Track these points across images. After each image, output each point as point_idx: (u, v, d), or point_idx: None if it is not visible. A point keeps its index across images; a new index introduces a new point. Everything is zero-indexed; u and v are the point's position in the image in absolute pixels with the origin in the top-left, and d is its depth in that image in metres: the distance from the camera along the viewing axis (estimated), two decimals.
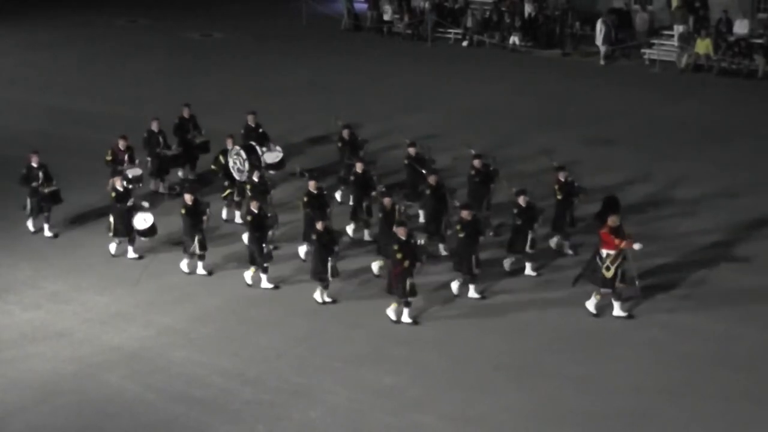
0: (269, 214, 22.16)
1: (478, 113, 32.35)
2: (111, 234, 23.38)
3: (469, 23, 41.50)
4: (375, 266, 22.24)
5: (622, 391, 18.12)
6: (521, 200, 21.66)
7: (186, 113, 27.44)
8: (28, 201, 24.41)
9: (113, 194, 23.14)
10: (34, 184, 24.15)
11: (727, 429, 17.13)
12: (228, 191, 24.89)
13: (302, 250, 22.90)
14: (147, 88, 36.14)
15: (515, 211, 21.74)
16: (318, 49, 40.73)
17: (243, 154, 24.94)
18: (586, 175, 24.96)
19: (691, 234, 23.41)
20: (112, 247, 23.58)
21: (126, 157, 25.42)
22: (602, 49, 38.07)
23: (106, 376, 19.06)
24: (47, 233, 24.48)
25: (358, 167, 23.70)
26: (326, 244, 20.96)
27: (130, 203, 23.30)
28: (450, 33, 42.05)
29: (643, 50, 38.07)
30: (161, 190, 26.61)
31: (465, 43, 41.30)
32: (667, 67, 36.87)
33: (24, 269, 23.15)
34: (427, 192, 22.77)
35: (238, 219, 24.77)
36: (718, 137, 29.77)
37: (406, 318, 20.45)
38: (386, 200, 21.92)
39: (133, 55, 40.66)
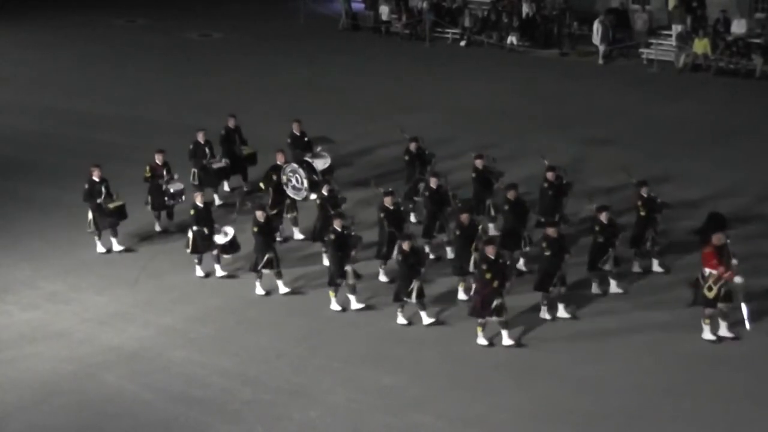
0: (353, 233, 20.92)
1: (477, 113, 32.35)
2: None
3: (467, 23, 41.51)
4: (460, 290, 21.13)
5: (621, 391, 18.12)
6: (603, 217, 20.73)
7: (231, 123, 26.55)
8: (91, 218, 23.55)
9: (193, 211, 22.21)
10: (99, 200, 23.38)
11: (725, 429, 17.14)
12: (276, 209, 23.61)
13: (382, 272, 21.96)
14: (146, 89, 36.17)
15: (596, 228, 20.84)
16: (316, 49, 40.74)
17: (301, 172, 23.89)
18: (584, 176, 24.96)
19: (690, 232, 23.36)
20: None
21: (164, 172, 24.36)
22: (600, 48, 38.09)
23: (105, 376, 19.06)
24: (116, 248, 23.71)
25: (433, 182, 22.54)
26: (413, 265, 19.88)
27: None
28: (448, 33, 42.05)
29: (641, 50, 38.09)
30: (217, 201, 25.69)
31: (463, 43, 41.31)
32: (665, 67, 36.87)
33: (23, 269, 23.16)
34: (506, 207, 21.87)
35: (298, 235, 23.92)
36: (717, 137, 29.77)
37: (507, 341, 19.39)
38: (464, 216, 20.88)
39: (132, 55, 40.67)
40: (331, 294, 21.00)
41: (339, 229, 20.61)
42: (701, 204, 24.52)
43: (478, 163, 23.41)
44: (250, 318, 20.97)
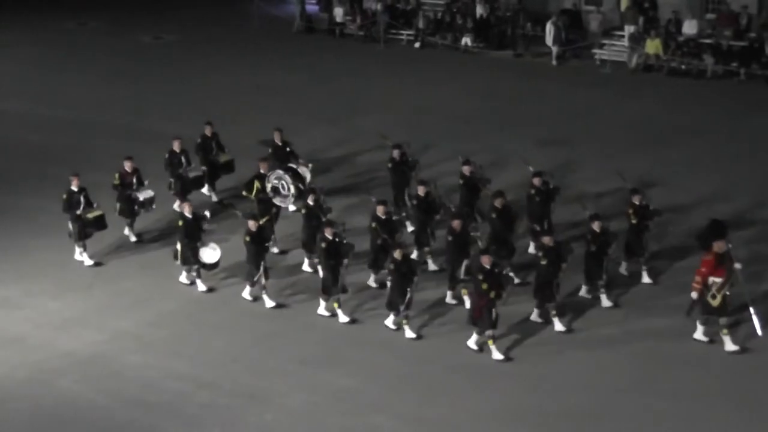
0: (344, 241, 20.68)
1: (432, 114, 32.37)
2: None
3: (421, 24, 41.52)
4: (449, 295, 21.09)
5: (578, 390, 18.24)
6: (595, 226, 20.56)
7: (208, 131, 26.10)
8: (71, 227, 23.11)
9: (181, 222, 21.87)
10: (78, 211, 22.95)
11: (679, 425, 17.29)
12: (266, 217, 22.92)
13: (372, 278, 21.75)
14: (97, 92, 35.82)
15: (589, 237, 20.64)
16: (270, 52, 40.59)
17: (287, 178, 23.64)
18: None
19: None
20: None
21: (134, 180, 24.00)
22: (553, 49, 38.27)
23: (59, 382, 18.93)
24: (87, 262, 23.19)
25: (421, 190, 22.34)
26: (405, 274, 19.74)
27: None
28: (402, 34, 42.03)
29: (594, 51, 38.32)
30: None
31: (417, 45, 41.30)
32: (618, 68, 37.08)
33: None
34: (493, 215, 21.64)
35: (274, 249, 23.19)
36: (670, 136, 29.99)
37: (497, 355, 19.20)
38: (456, 223, 20.73)
39: (83, 58, 40.28)
40: (322, 301, 20.73)
41: (330, 237, 20.39)
42: (654, 202, 24.58)
43: (466, 169, 23.12)
44: (206, 321, 20.88)
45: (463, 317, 19.98)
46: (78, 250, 23.20)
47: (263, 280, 21.12)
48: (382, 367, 19.11)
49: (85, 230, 23.03)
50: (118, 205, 23.95)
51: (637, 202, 21.49)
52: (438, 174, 24.72)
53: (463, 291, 20.85)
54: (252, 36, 43.05)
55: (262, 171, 23.81)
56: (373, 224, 21.36)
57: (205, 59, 39.66)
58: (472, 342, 19.38)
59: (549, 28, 38.21)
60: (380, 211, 21.38)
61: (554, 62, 38.20)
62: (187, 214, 21.82)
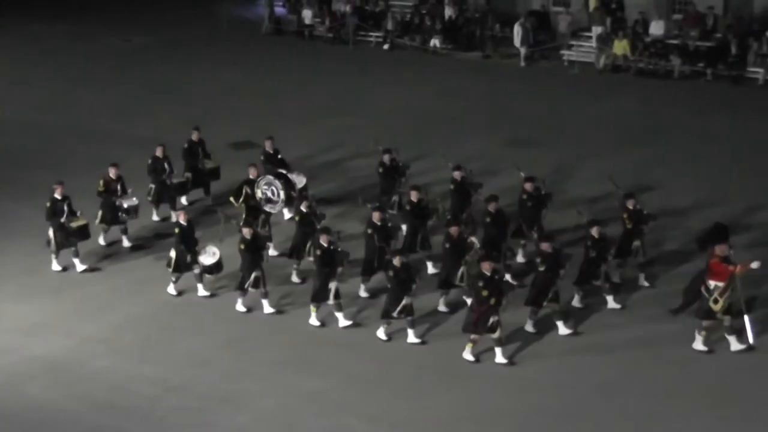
0: (339, 249, 20.40)
1: (401, 116, 32.41)
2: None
3: (390, 26, 41.60)
4: (441, 303, 20.86)
5: (548, 389, 18.27)
6: (594, 231, 20.31)
7: (195, 137, 25.69)
8: (52, 236, 22.64)
9: (177, 229, 21.44)
10: (62, 220, 22.48)
11: (652, 424, 17.35)
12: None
13: (363, 288, 21.45)
14: (66, 95, 35.67)
15: (588, 243, 20.37)
16: (239, 54, 40.52)
17: (277, 183, 23.44)
18: (509, 177, 25.04)
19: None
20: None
21: (118, 187, 23.57)
22: (522, 51, 38.40)
23: (28, 387, 18.80)
24: (79, 268, 22.81)
25: (413, 196, 22.13)
26: (404, 281, 19.46)
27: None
28: (371, 36, 42.12)
29: (562, 51, 38.48)
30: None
31: (386, 47, 41.38)
32: (586, 68, 37.28)
33: None
34: (487, 220, 21.42)
35: (271, 251, 22.63)
36: (639, 136, 30.16)
37: (500, 359, 18.96)
38: (453, 229, 20.48)
39: (51, 62, 40.07)
40: (313, 309, 20.45)
41: (325, 245, 20.11)
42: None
43: (457, 174, 22.97)
44: (175, 325, 20.79)
45: (438, 319, 20.19)
46: (54, 260, 22.79)
47: (258, 288, 20.75)
48: (353, 369, 19.09)
49: (68, 239, 22.67)
50: (100, 213, 23.52)
51: (631, 207, 21.24)
52: (407, 175, 24.64)
53: (443, 297, 20.70)
54: (221, 38, 42.98)
55: (251, 176, 23.55)
56: (369, 230, 21.08)
57: (174, 62, 39.59)
58: (467, 353, 19.11)
59: (517, 29, 38.37)
60: (376, 217, 21.08)
61: (523, 63, 38.35)
62: (182, 221, 21.47)
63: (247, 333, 20.41)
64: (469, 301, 20.16)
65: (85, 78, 37.61)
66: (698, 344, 19.16)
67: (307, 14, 43.61)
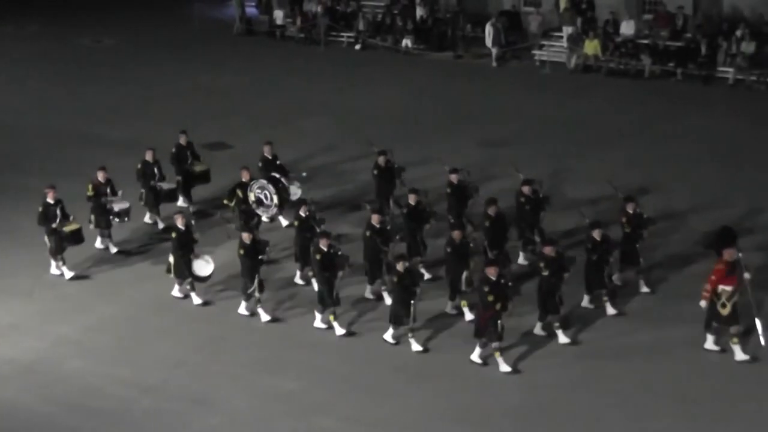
0: (339, 252, 20.16)
1: (373, 116, 32.43)
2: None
3: (362, 26, 41.62)
4: (449, 305, 20.59)
5: (521, 388, 18.32)
6: (596, 234, 20.05)
7: (183, 140, 25.31)
8: (47, 240, 22.41)
9: (174, 234, 21.24)
10: (54, 224, 22.21)
11: (620, 420, 17.41)
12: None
13: (368, 290, 21.24)
14: (37, 96, 35.48)
15: (589, 246, 20.10)
16: (211, 54, 40.43)
17: (270, 187, 23.21)
18: (481, 178, 25.10)
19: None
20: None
21: (108, 190, 23.24)
22: (493, 51, 38.50)
23: (1, 390, 18.67)
24: (67, 275, 22.49)
25: (411, 199, 21.84)
26: (408, 286, 19.27)
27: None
28: (343, 36, 42.11)
29: (533, 52, 38.61)
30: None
31: (358, 47, 41.39)
32: (558, 68, 37.41)
33: None
34: (486, 223, 21.26)
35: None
36: (610, 136, 30.28)
37: (504, 367, 18.70)
38: (456, 234, 20.26)
39: (21, 63, 39.81)
40: (318, 314, 20.30)
41: (325, 249, 19.90)
42: (600, 202, 24.78)
43: (453, 177, 22.80)
44: (148, 326, 20.72)
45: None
46: (54, 264, 22.56)
47: (257, 294, 20.60)
48: (326, 369, 19.10)
49: (62, 244, 22.42)
50: (92, 217, 23.26)
51: (630, 211, 20.93)
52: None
53: (463, 303, 20.46)
54: (192, 38, 42.87)
55: (243, 180, 23.34)
56: (368, 233, 20.90)
57: (146, 62, 39.43)
58: (475, 356, 18.97)
59: (488, 29, 38.47)
60: (375, 220, 20.84)
61: (494, 63, 38.44)
62: (180, 225, 21.22)
63: (220, 334, 20.36)
64: (465, 309, 20.23)
65: (56, 79, 37.41)
66: (709, 344, 19.02)
67: (279, 15, 43.57)
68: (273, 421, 17.71)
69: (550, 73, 37.13)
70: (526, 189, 22.13)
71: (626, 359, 19.01)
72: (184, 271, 21.25)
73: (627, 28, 37.28)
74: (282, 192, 23.47)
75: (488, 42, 38.52)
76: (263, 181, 23.38)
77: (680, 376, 18.49)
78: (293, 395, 18.35)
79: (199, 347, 19.93)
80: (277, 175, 23.91)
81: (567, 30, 37.95)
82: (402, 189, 23.68)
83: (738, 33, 35.21)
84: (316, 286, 20.57)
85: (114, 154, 26.48)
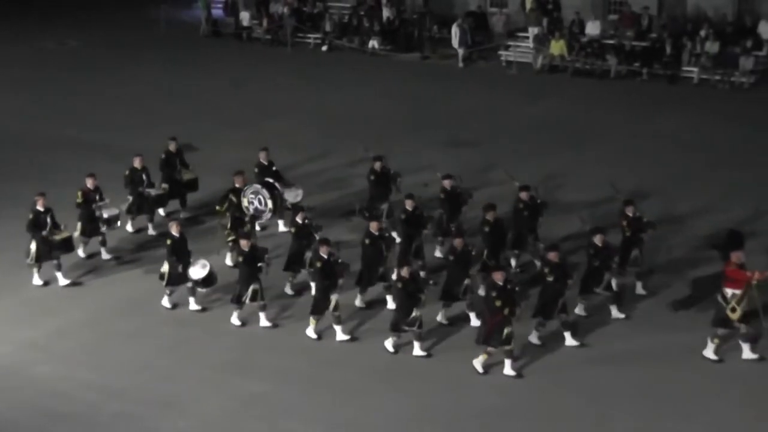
0: (339, 260, 19.91)
1: (340, 117, 32.44)
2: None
3: (328, 28, 41.62)
4: (440, 315, 20.34)
5: (491, 390, 18.33)
6: (598, 239, 19.82)
7: (172, 147, 24.98)
8: (34, 249, 21.97)
9: (169, 241, 20.83)
10: (44, 232, 21.82)
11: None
12: (232, 237, 22.23)
13: (359, 299, 21.04)
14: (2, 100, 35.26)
15: (591, 251, 19.88)
16: (177, 56, 40.29)
17: (265, 192, 23.00)
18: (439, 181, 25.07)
19: (562, 232, 23.54)
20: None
21: (97, 197, 22.89)
22: (460, 51, 38.58)
23: None
24: (62, 282, 22.23)
25: (408, 204, 21.62)
26: (412, 293, 19.00)
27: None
28: (309, 38, 42.08)
29: (500, 52, 38.73)
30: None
31: (324, 48, 41.38)
32: (524, 69, 37.54)
33: None
34: (486, 229, 21.03)
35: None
36: (575, 136, 30.41)
37: (509, 371, 18.64)
38: (458, 241, 19.98)
39: None
40: (312, 321, 20.05)
41: (325, 257, 19.64)
42: (575, 204, 24.79)
43: (447, 183, 22.62)
44: (115, 330, 20.60)
45: (378, 319, 20.27)
46: (36, 273, 22.26)
47: (257, 301, 20.32)
48: (295, 372, 19.06)
49: (51, 253, 22.13)
50: (79, 225, 22.94)
51: (630, 214, 20.82)
52: (348, 176, 24.59)
53: (444, 309, 20.26)
54: (158, 40, 42.72)
55: (237, 185, 23.10)
56: (367, 241, 20.69)
57: (111, 64, 39.23)
58: (478, 363, 18.84)
59: (455, 30, 38.56)
60: (374, 227, 20.63)
61: (461, 64, 38.54)
62: (174, 233, 20.95)
63: (187, 337, 20.29)
64: (472, 315, 20.14)
65: (21, 83, 37.14)
66: (709, 352, 18.92)
67: (245, 16, 43.51)
68: (241, 424, 17.66)
69: (517, 74, 37.26)
70: (524, 195, 21.97)
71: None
72: (176, 279, 21.03)
73: (593, 28, 37.48)
74: (277, 198, 23.29)
75: (455, 43, 38.62)
76: (257, 186, 23.19)
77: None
78: (261, 397, 18.30)
79: (166, 350, 19.84)
80: (272, 181, 23.75)
81: (533, 30, 38.11)
82: (398, 194, 23.48)
83: (702, 33, 35.51)
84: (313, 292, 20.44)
85: (87, 158, 26.28)
